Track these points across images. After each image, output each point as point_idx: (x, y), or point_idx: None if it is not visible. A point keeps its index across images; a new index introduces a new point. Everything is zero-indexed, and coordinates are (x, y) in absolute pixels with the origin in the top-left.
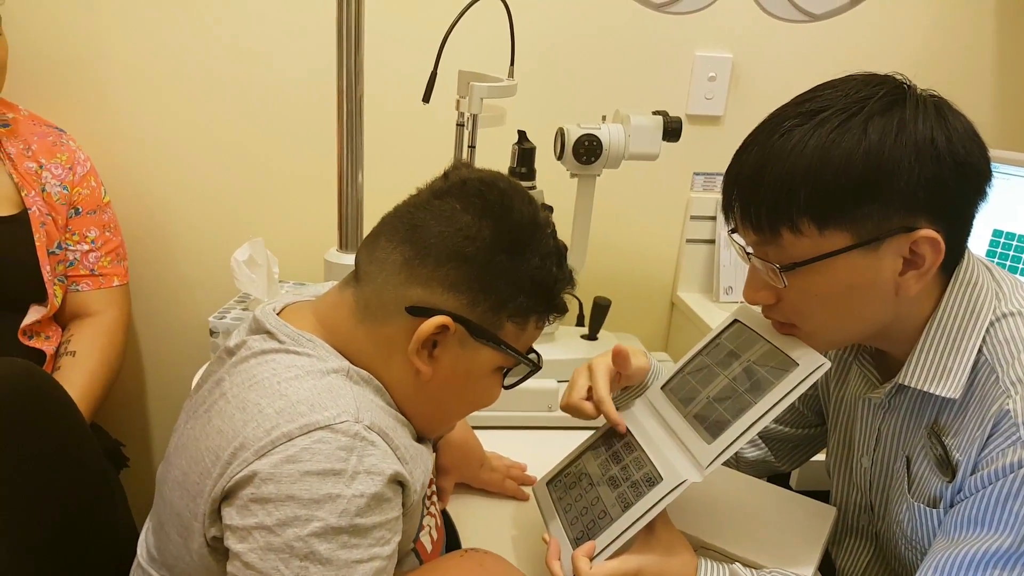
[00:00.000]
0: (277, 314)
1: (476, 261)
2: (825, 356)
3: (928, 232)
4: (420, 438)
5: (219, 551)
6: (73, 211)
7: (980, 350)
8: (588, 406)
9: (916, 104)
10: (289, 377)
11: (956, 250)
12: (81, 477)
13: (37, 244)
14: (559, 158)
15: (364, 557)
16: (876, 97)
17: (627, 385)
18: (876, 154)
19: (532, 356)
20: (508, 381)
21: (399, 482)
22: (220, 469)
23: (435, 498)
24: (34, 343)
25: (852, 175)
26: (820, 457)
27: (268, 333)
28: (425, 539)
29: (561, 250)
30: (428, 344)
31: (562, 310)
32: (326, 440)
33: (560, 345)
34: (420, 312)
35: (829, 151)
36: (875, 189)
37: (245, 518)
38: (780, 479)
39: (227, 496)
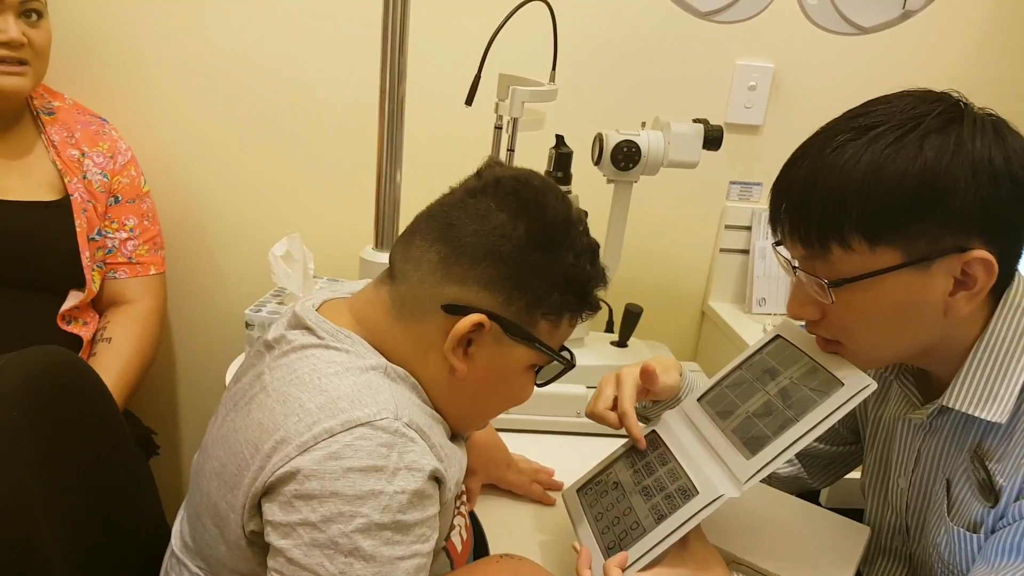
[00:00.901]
0: (316, 310)
1: (511, 259)
2: (866, 374)
3: (982, 253)
4: (453, 436)
5: (257, 544)
6: (113, 199)
7: None
8: (612, 416)
9: (974, 123)
10: (329, 373)
11: (1008, 272)
12: (113, 464)
13: (78, 230)
14: (597, 164)
15: (406, 554)
16: (933, 114)
17: (656, 400)
18: (932, 172)
19: (565, 354)
20: (541, 379)
21: (437, 479)
22: (260, 462)
23: (464, 498)
24: (72, 328)
25: (906, 192)
26: (852, 475)
27: (308, 329)
28: (456, 539)
29: (594, 247)
30: (463, 342)
31: (595, 307)
32: (367, 436)
33: (590, 351)
34: (456, 310)
35: (883, 167)
36: (929, 207)
37: (289, 514)
38: (809, 497)
39: (268, 491)
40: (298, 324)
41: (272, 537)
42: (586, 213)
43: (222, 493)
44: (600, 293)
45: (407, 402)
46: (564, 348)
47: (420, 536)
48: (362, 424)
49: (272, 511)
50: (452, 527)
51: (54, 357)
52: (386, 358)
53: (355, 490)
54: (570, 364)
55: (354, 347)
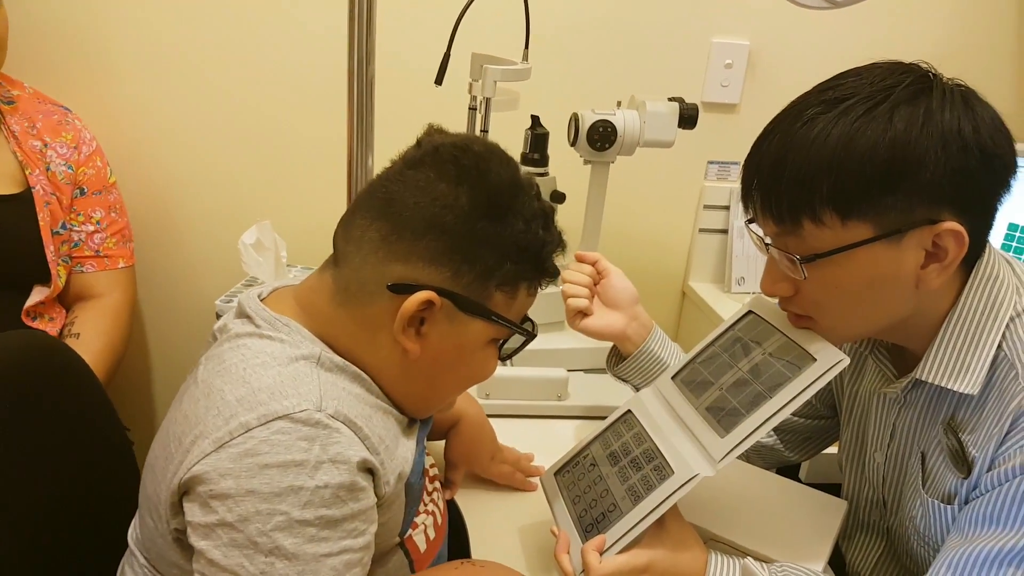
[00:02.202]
0: (263, 299)
1: (456, 231)
2: (840, 349)
3: (952, 225)
4: (411, 422)
5: (183, 543)
6: (78, 191)
7: (1000, 346)
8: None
9: (943, 93)
10: (256, 364)
11: (978, 244)
12: (101, 445)
13: (41, 224)
14: (573, 144)
15: (333, 550)
16: (902, 85)
17: (624, 356)
18: (902, 144)
19: (526, 326)
20: (504, 353)
21: (369, 470)
22: (180, 456)
23: (436, 495)
24: (37, 324)
25: (876, 165)
26: (830, 450)
27: (247, 317)
28: (419, 538)
29: (547, 211)
30: (415, 322)
31: (553, 274)
32: (286, 431)
33: (569, 334)
34: (402, 289)
35: (853, 140)
36: (900, 180)
37: (207, 515)
38: (790, 472)
39: (187, 491)
40: (240, 312)
41: (193, 538)
42: (563, 195)
43: (153, 487)
44: (560, 259)
45: (338, 393)
46: (527, 319)
47: (351, 531)
48: (280, 417)
49: (192, 511)
50: (414, 525)
51: (36, 340)
52: (331, 345)
53: (272, 487)
54: (531, 335)
55: (290, 336)
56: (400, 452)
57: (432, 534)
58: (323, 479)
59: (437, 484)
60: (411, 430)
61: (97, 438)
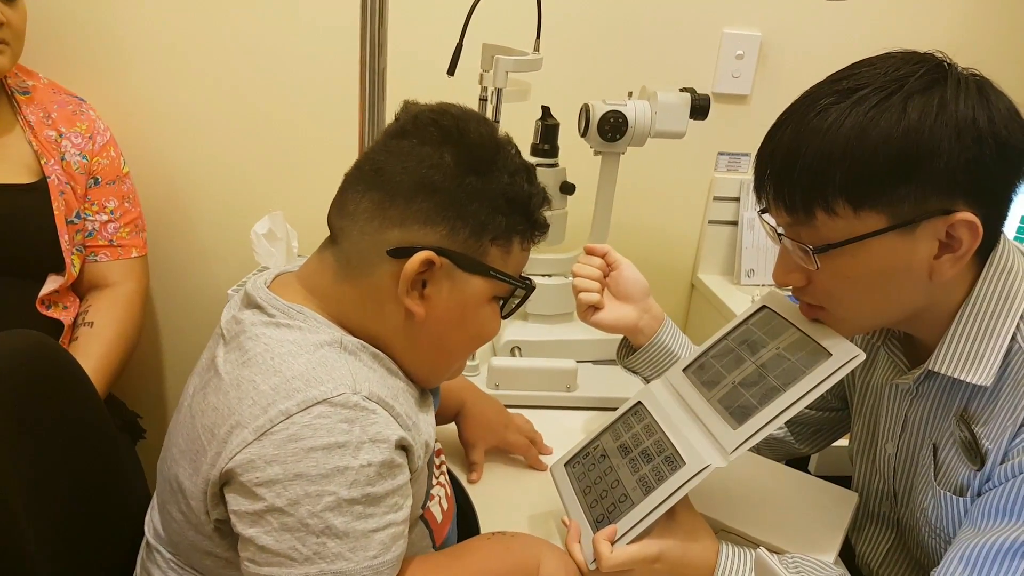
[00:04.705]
0: (268, 286)
1: (445, 189)
2: (852, 340)
3: (966, 215)
4: (423, 392)
5: (224, 531)
6: (92, 181)
7: (1014, 337)
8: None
9: (957, 83)
10: (282, 352)
11: (992, 234)
12: (95, 449)
13: (55, 213)
14: (583, 135)
15: (380, 525)
16: (916, 75)
17: (635, 346)
18: (915, 134)
19: (525, 282)
20: (505, 311)
21: (404, 447)
22: (217, 447)
23: (444, 468)
24: (52, 313)
25: (890, 155)
26: (841, 443)
27: (258, 307)
28: (435, 509)
29: (529, 167)
30: (417, 284)
31: (543, 227)
32: (326, 415)
33: (578, 325)
34: (401, 253)
35: (867, 130)
36: (913, 170)
37: (254, 503)
38: (798, 465)
39: (229, 480)
40: (250, 303)
41: (240, 527)
42: (574, 186)
43: (182, 481)
44: (547, 213)
45: (366, 375)
46: (525, 278)
47: (392, 506)
48: (319, 402)
49: (237, 501)
50: (431, 497)
51: (30, 340)
52: (343, 323)
53: (320, 469)
54: (530, 288)
55: (306, 322)
56: (425, 426)
57: (445, 505)
58: (366, 458)
59: (443, 457)
60: (426, 402)
61: (90, 438)
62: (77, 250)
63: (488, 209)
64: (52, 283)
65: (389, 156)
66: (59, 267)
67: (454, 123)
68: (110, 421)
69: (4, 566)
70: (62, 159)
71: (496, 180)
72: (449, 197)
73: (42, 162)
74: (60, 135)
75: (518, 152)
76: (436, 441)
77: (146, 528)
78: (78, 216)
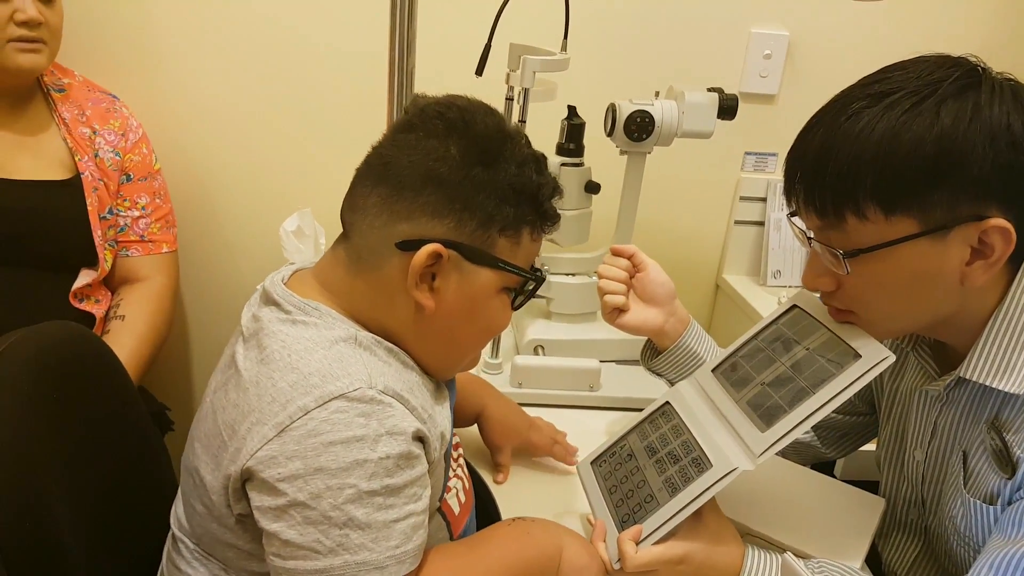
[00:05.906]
0: (285, 283)
1: (451, 181)
2: (883, 346)
3: (999, 221)
4: (439, 385)
5: (247, 525)
6: (125, 177)
7: None
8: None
9: (992, 88)
10: (299, 350)
11: None
12: (128, 439)
13: (89, 208)
14: (609, 135)
15: (400, 515)
16: (950, 80)
17: (659, 348)
18: (949, 139)
19: (534, 273)
20: (517, 302)
21: (420, 439)
22: (237, 444)
23: (462, 461)
24: (84, 306)
25: (922, 160)
26: (868, 447)
27: (275, 304)
28: (452, 501)
29: (539, 157)
30: (427, 277)
31: (553, 217)
32: (343, 409)
33: (602, 324)
34: (410, 246)
35: (899, 135)
36: (946, 175)
37: (277, 498)
38: (824, 469)
39: (251, 476)
40: (267, 299)
41: (264, 522)
42: (599, 185)
43: (204, 475)
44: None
45: (381, 369)
46: (536, 269)
47: (412, 496)
48: (336, 398)
49: (259, 497)
50: (448, 489)
51: (67, 331)
52: (356, 318)
53: (339, 463)
54: (540, 279)
55: (322, 318)
56: (440, 418)
57: (463, 498)
58: (384, 451)
59: (460, 450)
60: (441, 394)
61: (124, 428)
62: (109, 245)
63: (495, 200)
64: (85, 277)
65: (396, 150)
66: (92, 261)
67: (459, 115)
68: (145, 413)
69: (40, 554)
70: (96, 156)
71: (503, 171)
72: (455, 189)
73: (76, 159)
74: (94, 132)
75: (528, 142)
76: (454, 435)
77: (171, 520)
78: (111, 212)
